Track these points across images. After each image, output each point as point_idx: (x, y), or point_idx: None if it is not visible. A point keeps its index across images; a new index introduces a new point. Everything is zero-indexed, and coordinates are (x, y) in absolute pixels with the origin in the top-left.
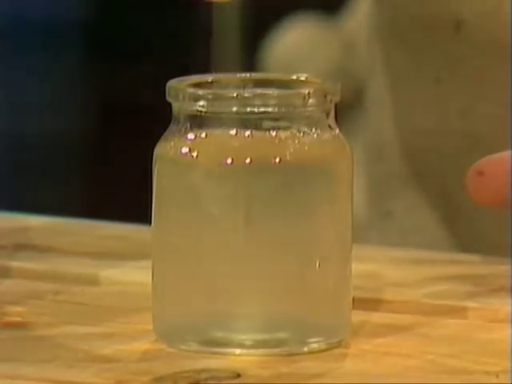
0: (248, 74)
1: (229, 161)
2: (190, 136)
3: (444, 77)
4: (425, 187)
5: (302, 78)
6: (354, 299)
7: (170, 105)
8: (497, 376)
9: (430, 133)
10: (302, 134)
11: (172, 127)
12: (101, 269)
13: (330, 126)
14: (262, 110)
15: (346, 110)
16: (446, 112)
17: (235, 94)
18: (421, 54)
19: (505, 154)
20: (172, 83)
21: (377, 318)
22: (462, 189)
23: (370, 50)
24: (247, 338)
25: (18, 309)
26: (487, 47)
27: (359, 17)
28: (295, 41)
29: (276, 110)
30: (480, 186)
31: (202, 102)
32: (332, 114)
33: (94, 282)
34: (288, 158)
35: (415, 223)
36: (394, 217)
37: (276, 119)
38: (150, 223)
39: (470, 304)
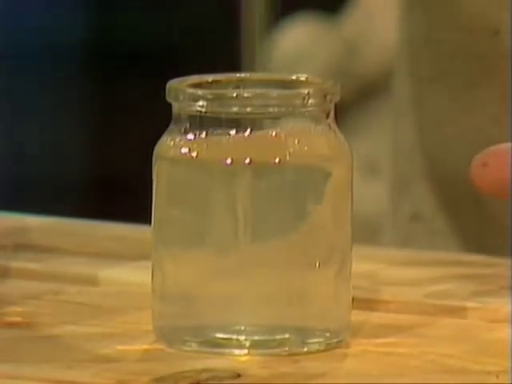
0: (248, 74)
1: (229, 161)
2: (190, 136)
3: (480, 82)
4: (454, 190)
5: (302, 78)
6: (353, 299)
7: (170, 105)
8: (497, 376)
9: (462, 137)
10: (301, 134)
11: (172, 127)
12: (100, 269)
13: (329, 126)
14: (261, 110)
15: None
16: (479, 118)
17: (235, 94)
18: (457, 60)
19: (507, 145)
20: (172, 83)
21: (377, 318)
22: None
23: (398, 55)
24: (247, 338)
25: (18, 309)
26: None
27: (360, 16)
28: (296, 40)
29: (276, 110)
30: (483, 177)
31: (201, 102)
32: (332, 114)
33: (93, 281)
34: (288, 158)
35: (443, 225)
36: (422, 219)
37: (276, 119)
38: (150, 223)
39: (470, 304)
